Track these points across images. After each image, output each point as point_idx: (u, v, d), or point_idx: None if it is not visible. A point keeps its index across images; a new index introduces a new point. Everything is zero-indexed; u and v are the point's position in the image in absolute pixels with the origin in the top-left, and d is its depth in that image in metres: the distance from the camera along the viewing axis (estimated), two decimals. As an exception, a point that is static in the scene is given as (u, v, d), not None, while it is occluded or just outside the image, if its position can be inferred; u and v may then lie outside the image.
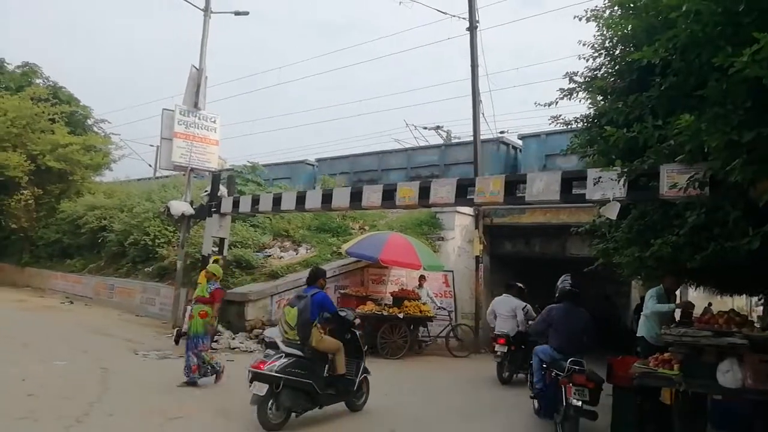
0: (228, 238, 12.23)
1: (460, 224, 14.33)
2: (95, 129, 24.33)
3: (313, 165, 21.75)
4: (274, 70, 60.37)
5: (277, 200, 10.50)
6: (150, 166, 31.28)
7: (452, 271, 13.80)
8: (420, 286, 12.76)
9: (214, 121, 13.40)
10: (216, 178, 12.33)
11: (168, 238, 15.10)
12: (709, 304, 7.96)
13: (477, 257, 13.88)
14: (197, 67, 13.14)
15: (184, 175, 13.60)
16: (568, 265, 13.62)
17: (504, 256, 14.93)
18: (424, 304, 12.20)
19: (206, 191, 12.41)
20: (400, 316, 11.54)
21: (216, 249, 11.85)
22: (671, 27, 4.12)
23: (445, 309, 12.96)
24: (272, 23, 77.29)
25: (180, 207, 12.65)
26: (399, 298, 12.02)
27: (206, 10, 13.77)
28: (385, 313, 11.51)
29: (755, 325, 5.92)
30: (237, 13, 14.33)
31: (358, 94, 56.61)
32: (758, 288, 7.64)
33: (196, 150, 12.91)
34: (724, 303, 11.33)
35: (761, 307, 10.38)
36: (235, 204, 11.50)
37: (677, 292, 11.18)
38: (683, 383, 5.33)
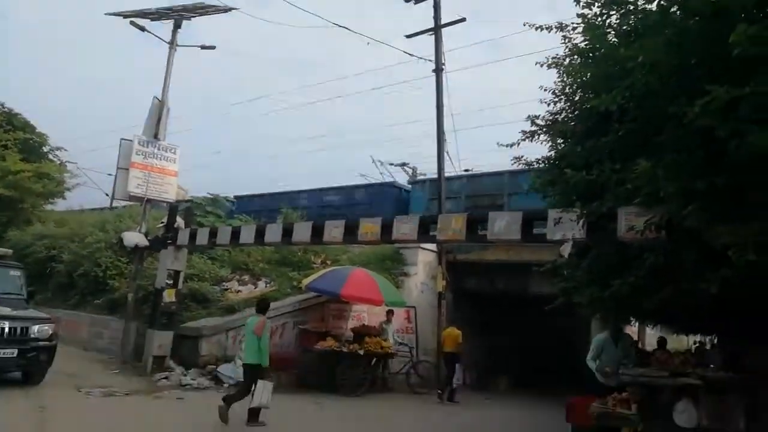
0: (183, 271, 11.87)
1: (423, 260, 14.34)
2: (51, 157, 23.53)
3: (400, 188, 19.37)
4: (242, 103, 59.92)
5: (235, 233, 10.29)
6: (107, 195, 30.19)
7: (414, 307, 13.73)
8: (388, 321, 12.60)
9: (174, 152, 13.14)
10: (173, 209, 12.02)
11: (120, 270, 14.52)
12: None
13: (440, 293, 13.86)
14: (159, 99, 12.94)
15: (140, 205, 13.22)
16: (529, 302, 13.84)
17: (467, 292, 14.97)
18: (385, 340, 12.05)
19: (162, 222, 12.07)
20: (361, 352, 11.34)
21: (170, 282, 11.47)
22: (628, 76, 4.29)
23: (406, 345, 12.83)
24: (243, 57, 77.59)
25: (133, 238, 12.23)
26: (360, 334, 11.84)
27: (172, 43, 13.66)
28: (344, 349, 11.30)
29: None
30: (203, 47, 14.24)
31: (326, 129, 56.80)
32: (712, 328, 7.86)
33: (153, 181, 12.59)
34: (679, 342, 11.62)
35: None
36: (192, 236, 11.20)
37: (633, 331, 11.45)
38: (641, 423, 5.38)
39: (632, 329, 11.63)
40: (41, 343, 8.39)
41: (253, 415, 7.68)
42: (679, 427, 5.28)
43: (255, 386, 7.58)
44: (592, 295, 5.93)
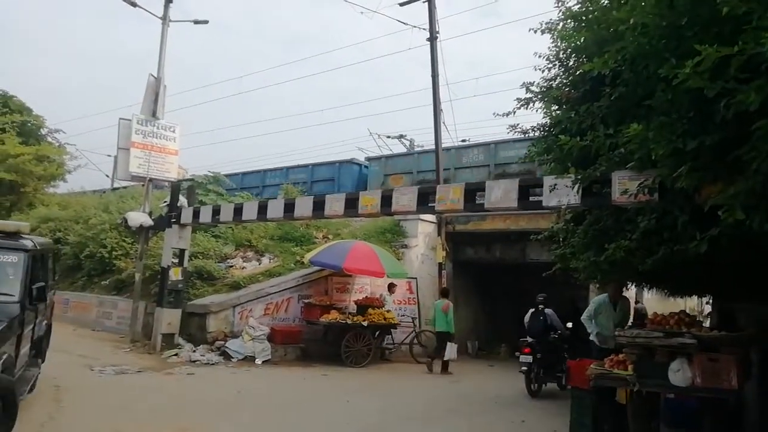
0: (188, 249, 12.00)
1: (423, 231, 14.45)
2: (49, 139, 23.57)
3: (360, 165, 19.57)
4: (235, 79, 59.27)
5: (238, 210, 10.37)
6: (107, 176, 30.37)
7: (416, 278, 13.89)
8: (391, 293, 12.79)
9: (174, 131, 13.16)
10: (175, 188, 12.10)
11: (126, 251, 14.70)
12: None
13: (440, 264, 14.01)
14: (155, 76, 12.89)
15: (142, 185, 13.31)
16: (527, 270, 13.99)
17: (466, 262, 15.12)
18: (388, 311, 12.24)
19: (165, 202, 12.17)
20: (364, 324, 11.54)
21: (176, 260, 11.62)
22: (620, 39, 4.29)
23: (407, 316, 13.03)
24: (236, 35, 76.69)
25: (138, 218, 12.34)
26: (363, 306, 12.03)
27: (165, 19, 13.56)
28: (348, 321, 11.49)
29: (704, 325, 6.18)
30: (196, 22, 14.14)
31: (321, 103, 56.39)
32: (706, 289, 7.96)
33: (154, 160, 12.64)
34: (676, 304, 11.72)
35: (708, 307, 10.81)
36: (196, 214, 11.29)
37: (631, 295, 11.60)
38: (637, 383, 5.51)
39: (630, 293, 11.79)
40: None
41: (445, 366, 11.38)
42: (673, 386, 5.41)
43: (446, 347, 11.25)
44: (588, 260, 6.02)
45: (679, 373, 5.28)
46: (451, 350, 11.31)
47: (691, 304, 13.91)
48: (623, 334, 5.70)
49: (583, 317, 7.73)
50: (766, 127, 3.01)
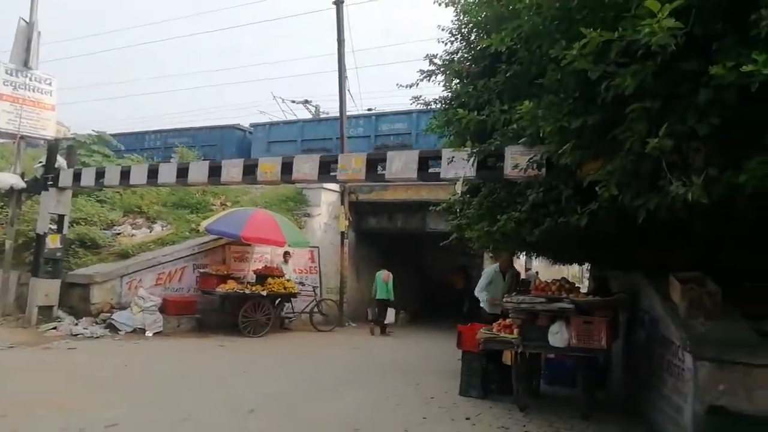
0: (68, 215, 11.05)
1: (326, 201, 14.36)
2: None
3: (244, 131, 19.25)
4: (132, 28, 54.43)
5: (125, 174, 9.67)
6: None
7: (318, 248, 13.84)
8: (285, 262, 12.65)
9: (50, 83, 11.87)
10: (53, 147, 11.01)
11: (-6, 215, 13.25)
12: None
13: (342, 233, 14.06)
14: (27, 21, 11.50)
15: (13, 143, 11.96)
16: (427, 239, 14.43)
17: (369, 231, 15.29)
18: (288, 280, 12.12)
19: (41, 162, 11.06)
20: (263, 293, 11.35)
21: (54, 227, 10.67)
22: (517, 18, 4.42)
23: (308, 285, 13.02)
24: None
25: (7, 179, 11.11)
26: (262, 276, 11.81)
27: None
28: (247, 291, 11.24)
29: (581, 291, 6.72)
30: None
31: (222, 62, 53.46)
32: (585, 258, 8.66)
33: (27, 115, 11.36)
34: (561, 271, 12.70)
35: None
36: (77, 177, 10.38)
37: (522, 263, 12.35)
38: (521, 345, 5.92)
39: (521, 261, 12.58)
40: None
41: (385, 329, 12.87)
42: (552, 346, 5.87)
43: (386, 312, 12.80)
44: (482, 230, 6.29)
45: (557, 335, 5.73)
46: (390, 315, 12.93)
47: (573, 271, 15.12)
48: (510, 300, 6.05)
49: (476, 290, 8.12)
50: (639, 109, 3.26)
